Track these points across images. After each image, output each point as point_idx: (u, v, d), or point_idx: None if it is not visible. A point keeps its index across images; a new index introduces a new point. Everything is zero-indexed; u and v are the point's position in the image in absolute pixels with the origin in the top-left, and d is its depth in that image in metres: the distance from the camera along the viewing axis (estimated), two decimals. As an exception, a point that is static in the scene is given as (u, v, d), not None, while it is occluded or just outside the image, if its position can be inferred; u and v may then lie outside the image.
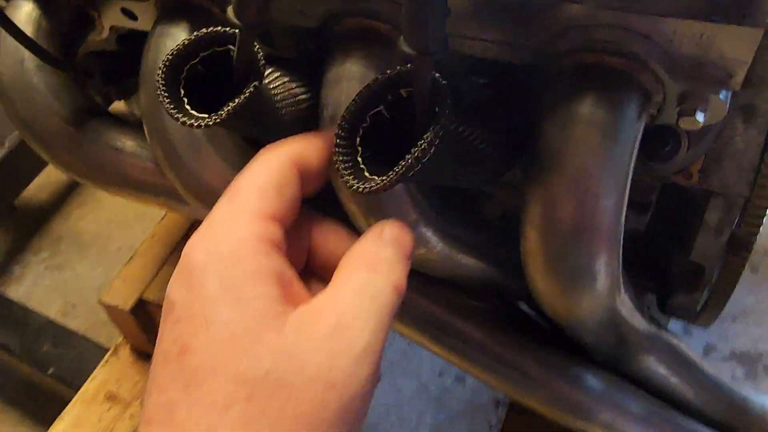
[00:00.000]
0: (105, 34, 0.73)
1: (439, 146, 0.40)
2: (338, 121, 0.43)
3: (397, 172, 0.40)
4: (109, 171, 0.69)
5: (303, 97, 0.58)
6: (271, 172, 0.45)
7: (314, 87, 0.59)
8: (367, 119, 0.44)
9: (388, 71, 0.42)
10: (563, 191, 0.50)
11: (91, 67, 0.66)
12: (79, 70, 0.65)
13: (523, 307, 0.80)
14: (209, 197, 0.64)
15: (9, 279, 1.83)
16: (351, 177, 0.43)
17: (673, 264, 0.74)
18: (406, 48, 0.37)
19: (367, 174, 0.43)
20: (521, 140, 0.53)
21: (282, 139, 0.48)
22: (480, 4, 0.51)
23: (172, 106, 0.45)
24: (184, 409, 0.36)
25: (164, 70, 0.46)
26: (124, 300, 1.08)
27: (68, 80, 0.67)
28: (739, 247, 0.70)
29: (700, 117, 0.49)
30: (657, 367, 0.77)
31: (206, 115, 0.45)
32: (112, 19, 0.71)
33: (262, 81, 0.46)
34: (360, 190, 0.42)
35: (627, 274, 0.65)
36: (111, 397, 1.14)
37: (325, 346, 0.38)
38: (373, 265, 0.42)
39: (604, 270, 0.55)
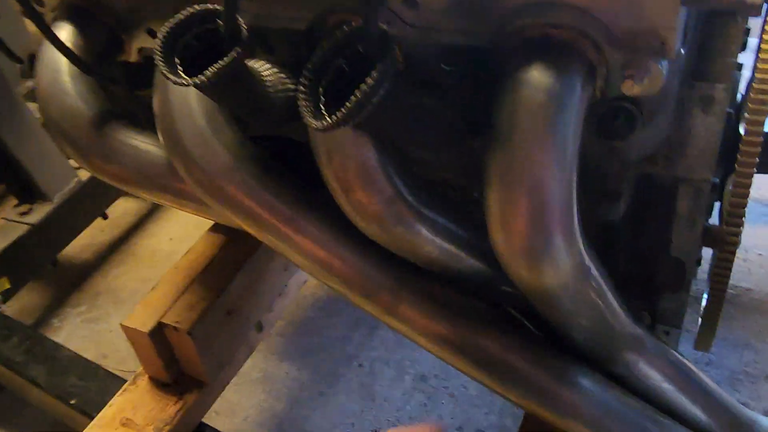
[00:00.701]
0: (134, 56, 0.83)
1: (388, 89, 0.46)
2: (302, 72, 0.50)
3: (346, 111, 0.46)
4: (126, 167, 0.77)
5: (290, 85, 0.65)
6: None
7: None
8: (330, 72, 0.50)
9: (346, 27, 0.49)
10: (514, 159, 0.55)
11: (117, 75, 0.75)
12: (107, 78, 0.74)
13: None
14: (212, 185, 0.70)
15: (47, 329, 1.91)
16: (312, 118, 0.48)
17: (654, 264, 0.76)
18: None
19: (325, 115, 0.49)
20: (480, 115, 0.58)
21: None
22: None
23: (166, 69, 0.53)
24: None
25: (162, 40, 0.53)
26: (144, 323, 1.14)
27: (95, 87, 0.77)
28: (721, 242, 0.73)
29: (639, 82, 0.53)
30: (648, 370, 0.77)
31: (195, 78, 0.52)
32: (140, 41, 0.81)
33: (244, 47, 0.53)
34: (317, 127, 0.47)
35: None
36: (126, 423, 1.17)
37: None
38: None
39: (563, 246, 0.58)
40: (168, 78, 0.53)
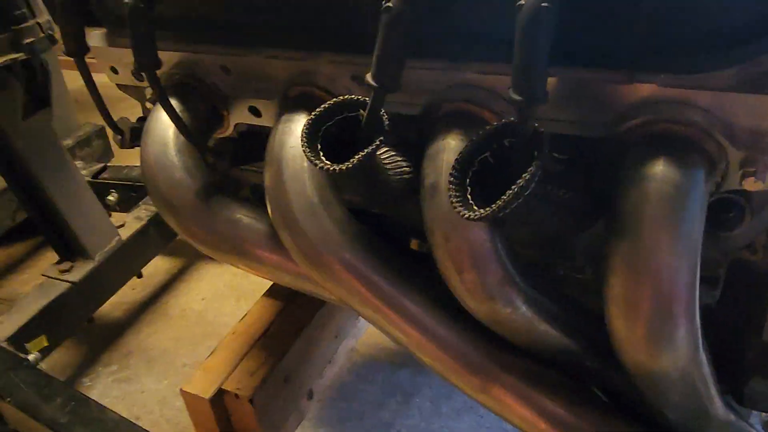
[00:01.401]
0: (230, 131, 0.86)
1: (536, 186, 0.48)
2: (453, 164, 0.52)
3: (501, 204, 0.48)
4: (227, 239, 0.79)
5: (407, 169, 0.68)
6: None
7: (415, 163, 0.69)
8: (476, 163, 0.52)
9: (495, 123, 0.52)
10: (642, 249, 0.57)
11: (222, 150, 0.78)
12: (213, 152, 0.77)
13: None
14: (317, 259, 0.72)
15: (78, 389, 1.89)
16: (463, 209, 0.51)
17: (745, 347, 0.77)
18: (515, 95, 0.47)
19: (475, 207, 0.51)
20: (600, 201, 0.60)
21: None
22: (561, 91, 0.62)
23: (312, 155, 0.56)
24: None
25: (308, 127, 0.56)
26: (204, 389, 1.14)
27: (199, 161, 0.79)
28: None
29: (761, 179, 0.56)
30: (737, 456, 0.77)
31: (339, 164, 0.55)
32: (238, 117, 0.84)
33: (386, 137, 0.56)
34: (468, 217, 0.50)
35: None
36: (179, 492, 1.15)
37: None
38: None
39: (685, 332, 0.60)
40: (313, 163, 0.55)
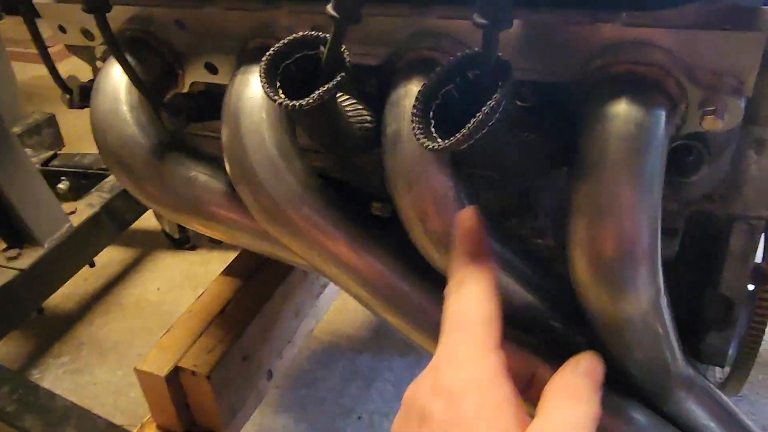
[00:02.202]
0: (185, 89, 0.83)
1: (500, 118, 0.47)
2: (416, 96, 0.51)
3: (465, 132, 0.47)
4: (184, 198, 0.76)
5: (368, 118, 0.67)
6: (492, 303, 0.52)
7: (376, 114, 0.68)
8: (439, 96, 0.51)
9: (459, 53, 0.51)
10: (605, 188, 0.57)
11: (179, 106, 0.75)
12: (168, 108, 0.74)
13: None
14: (278, 215, 0.70)
15: (27, 381, 1.82)
16: (426, 140, 0.50)
17: (703, 300, 0.78)
18: (479, 19, 0.46)
19: (438, 139, 0.50)
20: (565, 144, 0.60)
21: (469, 269, 0.54)
22: (520, 36, 0.61)
23: (271, 91, 0.54)
24: None
25: (266, 63, 0.55)
26: (160, 367, 1.10)
27: (153, 118, 0.77)
28: (766, 280, 0.75)
29: (720, 118, 0.57)
30: (696, 409, 0.78)
31: (300, 101, 0.53)
32: (194, 75, 0.82)
33: (348, 73, 0.54)
34: (432, 147, 0.49)
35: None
36: (134, 474, 1.11)
37: None
38: (576, 396, 0.50)
39: (647, 274, 0.60)
40: (271, 98, 0.54)
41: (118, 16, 0.80)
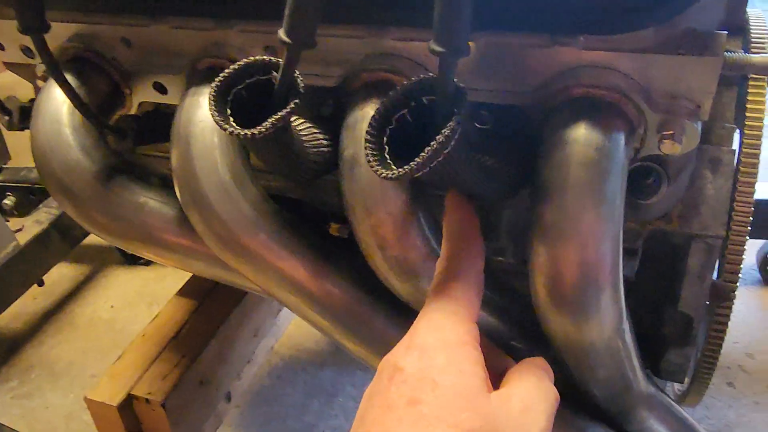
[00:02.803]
0: (133, 110, 0.80)
1: (456, 145, 0.46)
2: (369, 122, 0.49)
3: (419, 161, 0.46)
4: (132, 225, 0.73)
5: (324, 142, 0.65)
6: (477, 282, 0.56)
7: (333, 136, 0.66)
8: (393, 121, 0.50)
9: (413, 78, 0.49)
10: (566, 213, 0.56)
11: (125, 128, 0.72)
12: (114, 131, 0.71)
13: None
14: (231, 241, 0.68)
15: (-28, 408, 1.74)
16: (380, 167, 0.48)
17: (662, 318, 0.78)
18: (436, 47, 0.45)
19: (393, 167, 0.48)
20: (526, 168, 0.59)
21: (459, 247, 0.57)
22: (480, 58, 0.60)
23: (221, 119, 0.51)
24: None
25: (216, 89, 0.52)
26: (111, 396, 1.06)
27: (98, 141, 0.73)
28: (722, 297, 0.76)
29: (678, 142, 0.56)
30: (659, 427, 0.78)
31: (252, 129, 0.51)
32: (142, 95, 0.78)
33: (301, 99, 0.52)
34: (386, 176, 0.47)
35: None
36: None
37: (518, 420, 0.49)
38: (539, 375, 0.56)
39: (610, 299, 0.59)
40: (222, 128, 0.51)
41: (60, 33, 0.77)
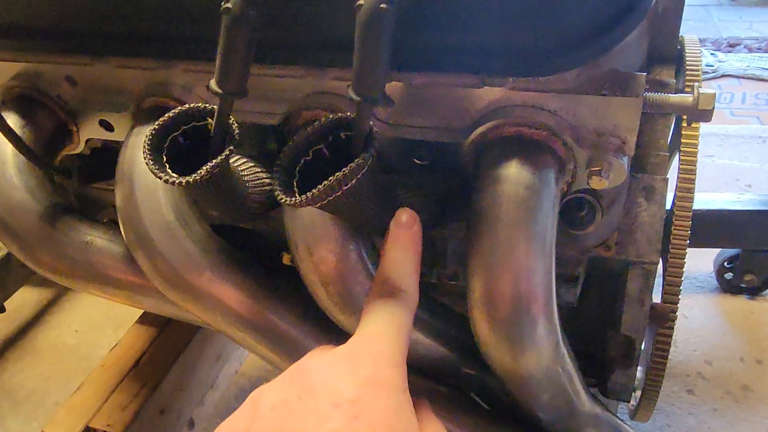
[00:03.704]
0: (81, 147, 0.80)
1: (362, 178, 0.47)
2: (282, 151, 0.50)
3: (320, 190, 0.47)
4: (78, 264, 0.73)
5: (267, 180, 0.66)
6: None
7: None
8: (309, 153, 0.51)
9: (332, 116, 0.51)
10: (498, 250, 0.57)
11: (70, 167, 0.72)
12: (59, 170, 0.71)
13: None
14: (178, 281, 0.68)
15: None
16: (284, 195, 0.49)
17: (606, 342, 0.80)
18: (353, 95, 0.46)
19: (296, 194, 0.49)
20: (450, 205, 0.61)
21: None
22: (414, 97, 0.62)
23: (156, 167, 0.52)
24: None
25: (150, 138, 0.53)
26: (69, 429, 1.05)
27: (43, 180, 0.73)
28: (663, 319, 0.78)
29: (605, 177, 0.58)
30: (606, 447, 0.80)
31: (187, 176, 0.52)
32: (89, 132, 0.79)
33: (236, 146, 0.53)
34: (286, 202, 0.48)
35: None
36: None
37: None
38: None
39: (545, 330, 0.61)
40: (158, 177, 0.52)
41: (3, 71, 0.77)
